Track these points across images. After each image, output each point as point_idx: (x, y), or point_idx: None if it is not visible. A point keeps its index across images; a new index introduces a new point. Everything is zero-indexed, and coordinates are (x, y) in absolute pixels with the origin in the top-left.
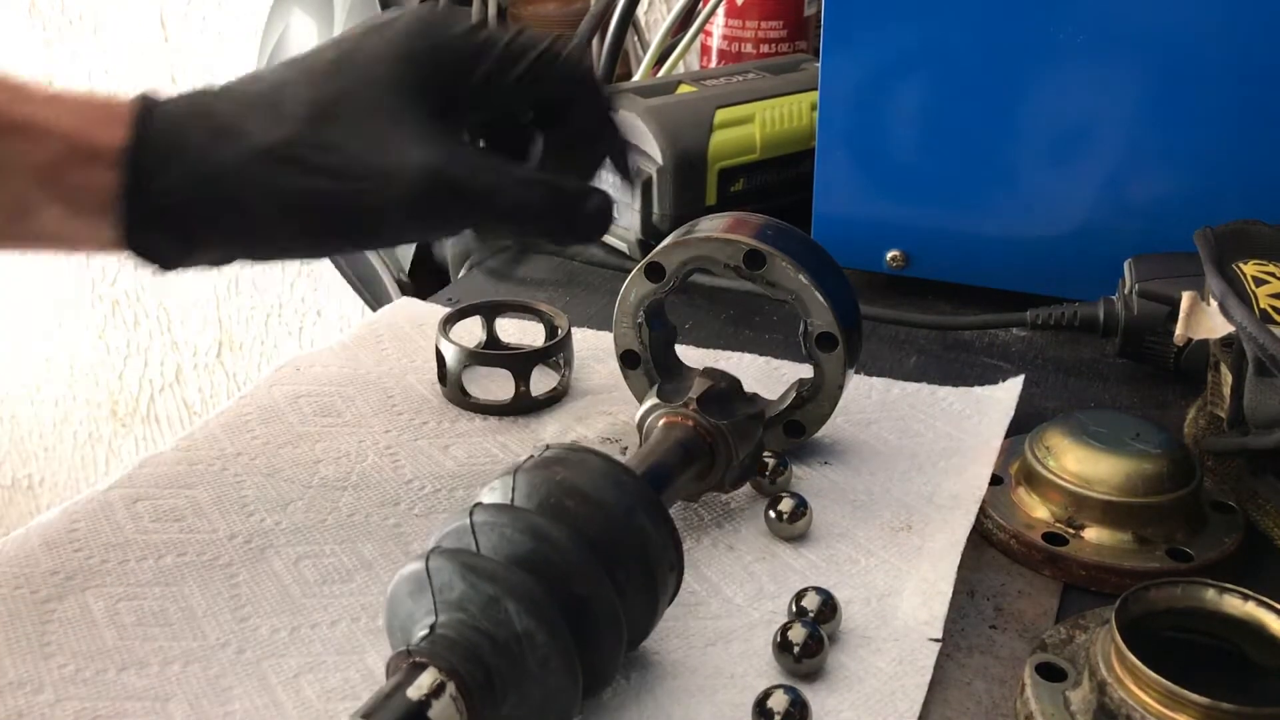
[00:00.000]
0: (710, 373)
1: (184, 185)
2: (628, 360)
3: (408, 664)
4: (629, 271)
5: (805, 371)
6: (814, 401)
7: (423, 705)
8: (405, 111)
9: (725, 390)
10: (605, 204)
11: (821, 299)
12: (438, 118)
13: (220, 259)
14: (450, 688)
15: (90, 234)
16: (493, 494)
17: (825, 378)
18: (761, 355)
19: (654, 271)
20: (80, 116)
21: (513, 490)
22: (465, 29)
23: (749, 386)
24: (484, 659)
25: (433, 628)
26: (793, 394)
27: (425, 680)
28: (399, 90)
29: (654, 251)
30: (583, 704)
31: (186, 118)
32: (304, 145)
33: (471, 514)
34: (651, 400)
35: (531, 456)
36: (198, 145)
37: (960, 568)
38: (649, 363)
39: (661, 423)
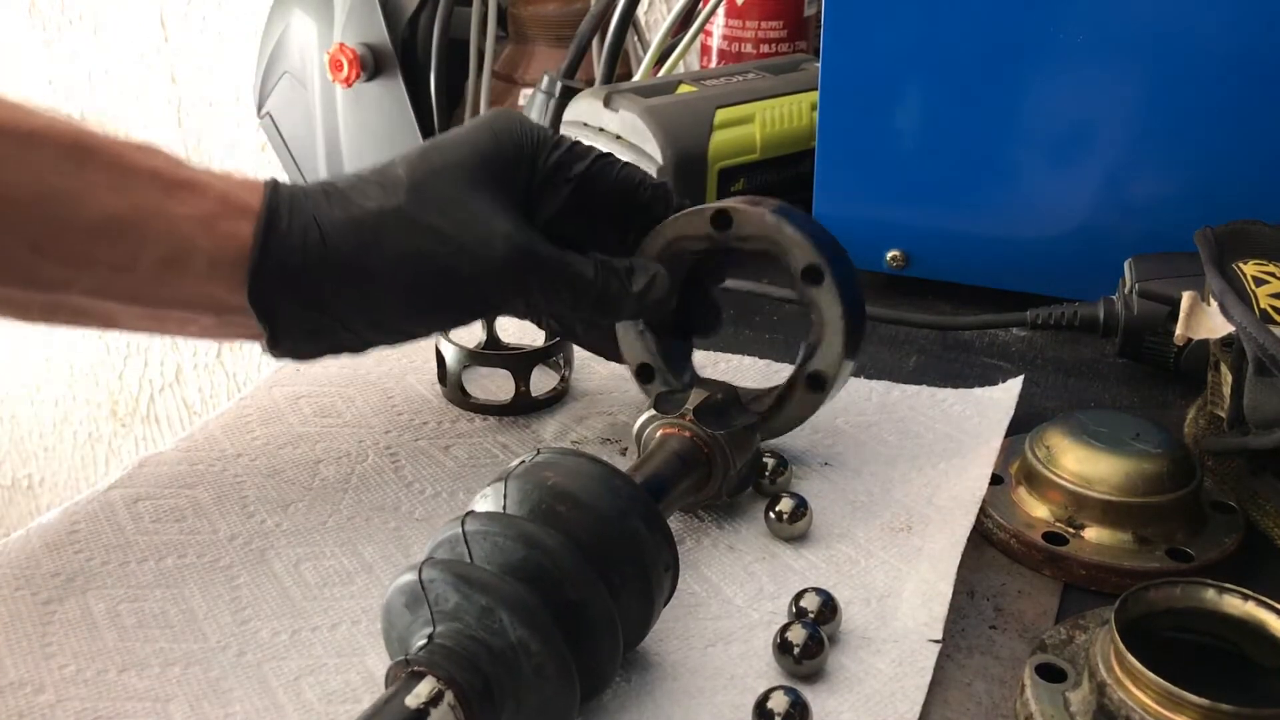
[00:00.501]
0: (707, 383)
1: (306, 243)
2: (643, 375)
3: (406, 673)
4: None
5: None
6: (823, 344)
7: (421, 713)
8: (487, 190)
9: (722, 401)
10: (652, 285)
11: (794, 233)
12: (514, 202)
13: (324, 336)
14: (448, 696)
15: (222, 292)
16: (485, 501)
17: (824, 313)
18: (761, 358)
19: None
20: (227, 181)
21: (504, 497)
22: (540, 130)
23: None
24: (481, 668)
25: (430, 637)
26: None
27: (423, 689)
28: (482, 171)
29: (632, 258)
30: (581, 707)
31: (310, 189)
32: (410, 212)
33: (463, 523)
34: (649, 412)
35: (523, 462)
36: (319, 207)
37: (960, 568)
38: (664, 370)
39: (659, 434)
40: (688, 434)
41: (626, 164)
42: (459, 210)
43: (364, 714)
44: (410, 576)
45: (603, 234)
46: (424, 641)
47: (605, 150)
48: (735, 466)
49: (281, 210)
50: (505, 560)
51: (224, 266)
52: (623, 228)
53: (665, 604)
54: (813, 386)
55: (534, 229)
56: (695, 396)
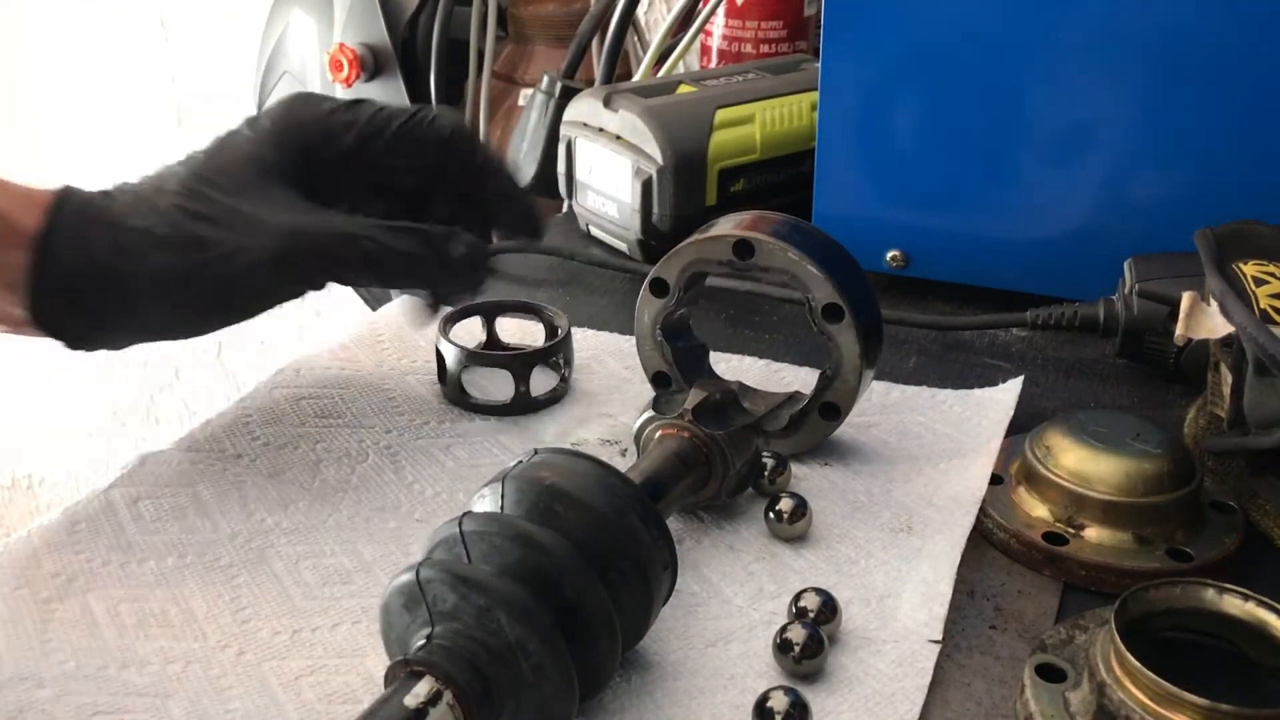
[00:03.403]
0: (706, 383)
1: (80, 267)
2: (659, 382)
3: (405, 673)
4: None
5: (805, 374)
6: (839, 378)
7: (420, 713)
8: (271, 187)
9: (721, 401)
10: (474, 249)
11: (816, 271)
12: (307, 190)
13: (117, 340)
14: (447, 696)
15: (8, 308)
16: (482, 501)
17: (842, 351)
18: (761, 358)
19: (658, 287)
20: (10, 197)
21: (502, 497)
22: (330, 108)
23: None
24: (480, 668)
25: (429, 637)
26: (802, 392)
27: (422, 689)
28: (264, 169)
29: (656, 266)
30: (580, 706)
31: (92, 201)
32: (172, 228)
33: (461, 523)
34: (647, 412)
35: (520, 462)
36: (93, 225)
37: (960, 568)
38: (679, 380)
39: (658, 434)
40: (686, 434)
41: (435, 115)
42: (228, 213)
43: (362, 714)
44: (408, 577)
45: (445, 198)
46: (422, 641)
47: (423, 105)
48: (734, 467)
49: (59, 234)
50: (503, 560)
51: (5, 289)
52: (451, 185)
53: (664, 604)
54: (826, 415)
55: (328, 212)
56: (694, 396)
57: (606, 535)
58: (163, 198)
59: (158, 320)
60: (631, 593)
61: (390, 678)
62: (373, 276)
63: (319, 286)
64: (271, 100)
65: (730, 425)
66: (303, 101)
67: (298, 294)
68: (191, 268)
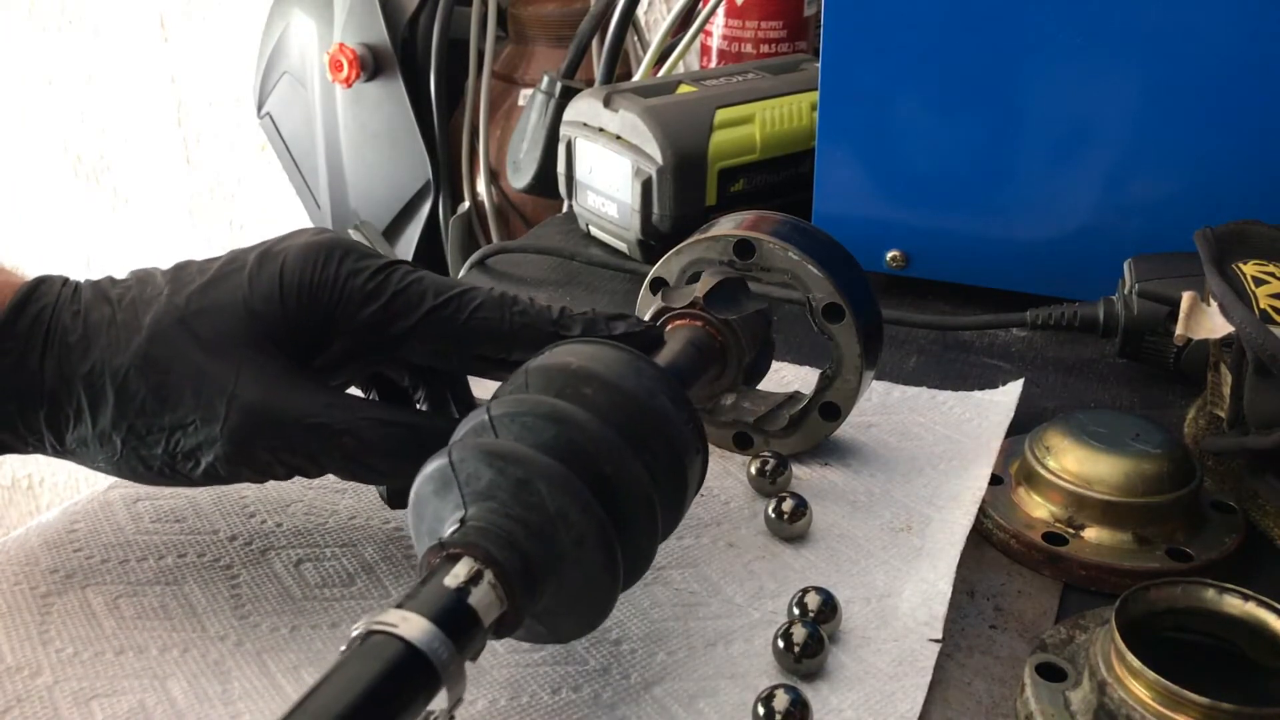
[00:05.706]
0: (716, 271)
1: (13, 392)
2: (655, 287)
3: (441, 556)
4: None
5: (805, 374)
6: (840, 378)
7: (461, 593)
8: (256, 347)
9: (731, 285)
10: None
11: (816, 271)
12: (304, 352)
13: (50, 454)
14: (488, 575)
15: None
16: (506, 390)
17: (842, 350)
18: None
19: (659, 286)
20: None
21: (526, 387)
22: (350, 272)
23: None
24: (519, 545)
25: (463, 520)
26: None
27: (461, 569)
28: (255, 323)
29: (656, 266)
30: (624, 586)
31: (44, 326)
32: (132, 378)
33: (489, 408)
34: (657, 305)
35: (542, 353)
36: (42, 357)
37: (960, 568)
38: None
39: (670, 326)
40: (699, 323)
41: (480, 302)
42: (192, 375)
43: (399, 599)
44: (440, 461)
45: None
46: (456, 526)
47: (467, 286)
48: (749, 354)
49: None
50: (536, 441)
51: None
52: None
53: (696, 491)
54: (826, 415)
55: (307, 382)
56: (704, 283)
57: (638, 416)
58: (131, 338)
59: (94, 464)
60: (666, 475)
61: (425, 565)
62: (348, 476)
63: (281, 477)
64: (273, 100)
65: (742, 310)
66: (324, 257)
67: (254, 480)
68: (134, 436)
